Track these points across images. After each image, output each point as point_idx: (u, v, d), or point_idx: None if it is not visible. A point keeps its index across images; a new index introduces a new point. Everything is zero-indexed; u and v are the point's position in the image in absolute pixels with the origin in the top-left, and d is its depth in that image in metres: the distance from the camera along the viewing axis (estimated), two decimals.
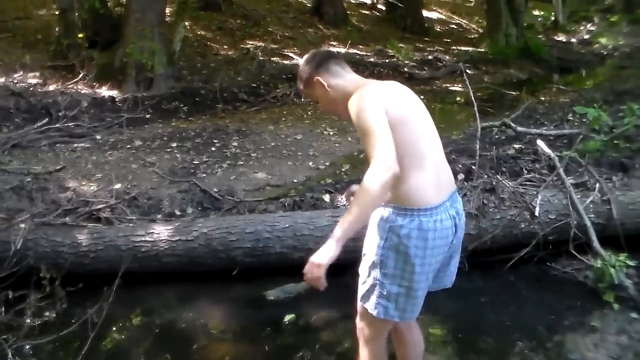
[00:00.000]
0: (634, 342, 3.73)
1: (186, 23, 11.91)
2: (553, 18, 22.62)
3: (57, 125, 7.97)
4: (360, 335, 2.99)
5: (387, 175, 2.35)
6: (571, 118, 7.75)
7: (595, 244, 4.49)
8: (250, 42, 13.27)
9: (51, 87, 9.63)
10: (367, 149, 2.45)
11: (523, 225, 4.72)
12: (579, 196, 4.83)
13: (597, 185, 4.96)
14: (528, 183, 5.17)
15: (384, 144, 2.40)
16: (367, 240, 2.76)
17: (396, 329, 3.07)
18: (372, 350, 2.98)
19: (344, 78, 2.79)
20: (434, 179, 2.64)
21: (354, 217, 2.41)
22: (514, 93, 11.45)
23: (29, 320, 3.78)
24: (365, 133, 2.47)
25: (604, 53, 17.62)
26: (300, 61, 2.86)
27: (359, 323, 2.97)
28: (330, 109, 2.88)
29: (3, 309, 3.77)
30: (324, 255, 2.43)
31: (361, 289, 2.81)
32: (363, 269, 2.78)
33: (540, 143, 5.75)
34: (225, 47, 12.73)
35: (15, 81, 9.63)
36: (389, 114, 2.51)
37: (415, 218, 2.58)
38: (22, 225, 4.82)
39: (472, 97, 6.04)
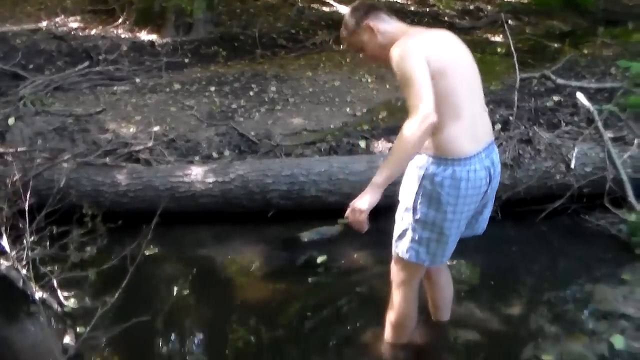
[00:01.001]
0: None
1: None
2: None
3: (97, 69, 8.03)
4: (393, 279, 3.06)
5: (425, 126, 2.41)
6: (614, 72, 7.59)
7: (631, 197, 4.48)
8: None
9: (92, 31, 9.70)
10: (407, 98, 2.50)
11: (558, 177, 4.72)
12: (616, 150, 4.79)
13: (636, 140, 4.91)
14: (565, 135, 5.14)
15: (424, 94, 2.44)
16: (403, 186, 2.83)
17: (426, 272, 3.12)
18: (403, 294, 3.04)
19: (391, 24, 2.80)
20: (470, 130, 2.67)
21: (391, 165, 2.53)
22: (556, 45, 11.21)
23: (73, 255, 3.93)
24: (406, 83, 2.51)
25: None
26: (346, 10, 2.87)
27: (393, 267, 3.04)
28: (376, 55, 2.87)
29: (48, 243, 3.90)
30: (365, 201, 2.53)
31: (395, 234, 2.89)
32: (398, 214, 2.85)
33: (579, 95, 5.68)
34: None
35: (57, 25, 9.72)
36: (430, 64, 2.52)
37: (449, 167, 2.64)
38: (65, 165, 4.97)
39: (512, 48, 5.97)
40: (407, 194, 2.78)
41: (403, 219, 2.81)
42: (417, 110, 2.42)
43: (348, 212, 2.60)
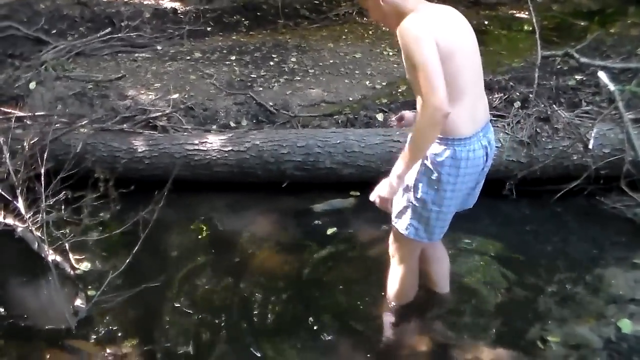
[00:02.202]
0: None
1: None
2: None
3: (119, 35, 8.04)
4: (392, 255, 3.21)
5: (439, 118, 2.48)
6: None
7: None
8: None
9: None
10: (418, 83, 2.52)
11: (575, 157, 4.65)
12: (636, 132, 4.71)
13: None
14: (585, 115, 5.06)
15: (438, 83, 2.46)
16: None
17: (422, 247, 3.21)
18: (403, 269, 3.21)
19: None
20: (471, 111, 2.72)
21: (410, 156, 2.63)
22: (583, 23, 11.04)
23: (86, 219, 3.98)
24: (417, 67, 2.50)
25: None
26: None
27: (392, 243, 3.19)
28: (379, 20, 2.89)
29: (63, 207, 3.95)
30: (387, 189, 2.72)
31: (395, 210, 2.98)
32: (399, 192, 2.89)
33: (601, 74, 5.58)
34: None
35: None
36: (439, 47, 2.52)
37: (449, 147, 2.70)
38: (82, 130, 5.00)
39: (535, 25, 5.88)
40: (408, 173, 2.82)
41: (403, 196, 2.89)
42: (432, 100, 2.45)
43: (373, 197, 2.77)
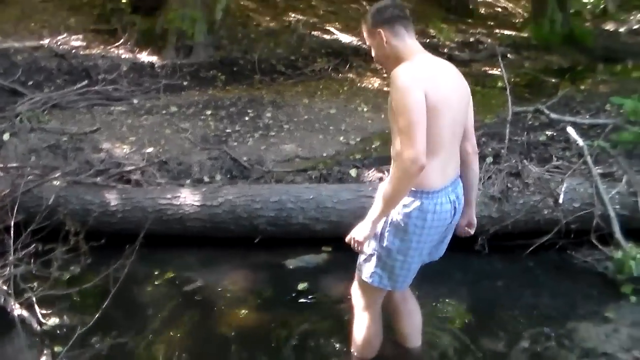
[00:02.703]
0: None
1: None
2: (602, 6, 22.14)
3: (96, 88, 8.10)
4: (355, 303, 3.20)
5: (415, 168, 2.53)
6: (608, 108, 7.63)
7: (618, 234, 4.46)
8: (292, 15, 13.22)
9: (93, 51, 9.75)
10: (399, 133, 2.57)
11: (546, 212, 4.71)
12: (605, 186, 4.79)
13: (625, 176, 4.91)
14: (555, 170, 5.14)
15: (418, 134, 2.52)
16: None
17: (391, 300, 3.25)
18: (368, 316, 3.17)
19: (404, 41, 2.80)
20: (442, 166, 2.77)
21: (385, 204, 2.69)
22: (554, 80, 11.29)
23: (55, 273, 3.92)
24: (403, 117, 2.56)
25: None
26: (374, 5, 2.89)
27: (355, 291, 3.18)
28: (380, 61, 2.93)
29: (32, 260, 3.90)
30: (361, 233, 2.76)
31: (360, 258, 3.01)
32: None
33: (570, 130, 5.70)
34: (267, 18, 12.72)
35: (59, 43, 9.76)
36: (427, 101, 2.58)
37: (417, 199, 2.74)
38: (55, 182, 4.98)
39: (506, 81, 6.01)
40: None
41: (369, 245, 2.90)
42: (409, 152, 2.51)
43: (348, 240, 2.82)
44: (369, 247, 2.91)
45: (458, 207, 2.90)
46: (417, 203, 2.74)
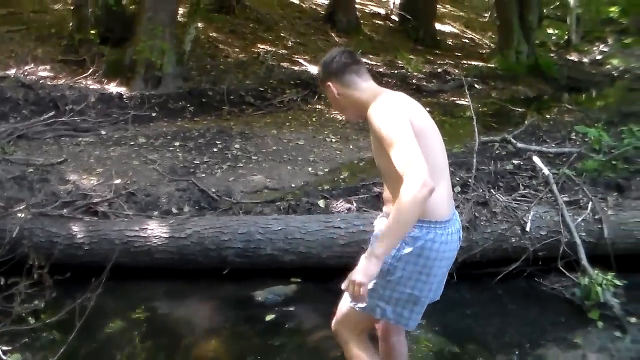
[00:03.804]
0: None
1: (198, 24, 12.01)
2: (566, 37, 22.62)
3: (63, 119, 8.05)
4: (345, 338, 2.93)
5: (424, 192, 2.32)
6: (574, 137, 7.77)
7: (584, 261, 4.52)
8: (261, 46, 13.34)
9: (61, 81, 9.71)
10: (397, 161, 2.41)
11: (513, 240, 4.76)
12: (571, 214, 4.86)
13: (590, 204, 4.98)
14: (522, 198, 5.21)
15: (417, 158, 2.37)
16: (371, 244, 2.67)
17: (387, 340, 3.10)
18: (359, 345, 2.90)
19: (357, 88, 2.73)
20: (447, 192, 2.67)
21: (393, 235, 2.42)
22: (520, 110, 11.48)
23: (18, 307, 3.84)
24: (394, 145, 2.42)
25: (615, 74, 17.60)
26: (323, 57, 2.84)
27: (339, 327, 2.93)
28: (338, 110, 2.89)
29: None
30: (365, 274, 2.43)
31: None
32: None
33: (535, 159, 5.78)
34: (236, 50, 12.81)
35: (25, 73, 9.72)
36: (413, 126, 2.49)
37: (431, 230, 2.58)
38: (20, 215, 4.90)
39: (473, 111, 6.09)
40: None
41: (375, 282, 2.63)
42: (417, 175, 2.33)
43: (345, 285, 2.49)
44: (371, 282, 2.59)
45: (460, 237, 2.77)
46: (432, 235, 2.58)
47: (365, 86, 2.75)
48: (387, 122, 2.48)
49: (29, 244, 4.47)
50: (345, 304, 2.85)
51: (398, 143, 2.41)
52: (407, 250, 2.58)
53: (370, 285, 2.58)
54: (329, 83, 2.77)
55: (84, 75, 9.97)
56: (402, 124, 2.46)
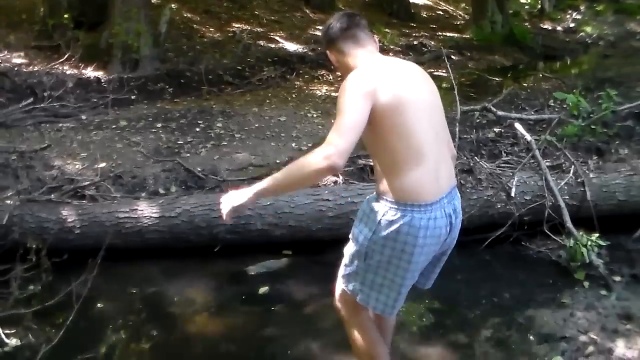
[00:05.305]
0: (601, 317, 3.85)
1: (173, 5, 11.93)
2: (539, 6, 22.70)
3: (42, 105, 7.94)
4: (344, 316, 2.93)
5: (321, 165, 2.31)
6: (552, 104, 7.87)
7: (569, 224, 4.61)
8: (237, 25, 13.26)
9: (36, 67, 9.59)
10: (330, 132, 2.40)
11: (499, 206, 4.84)
12: (554, 178, 4.95)
13: (572, 167, 5.07)
14: (505, 165, 5.30)
15: (342, 135, 2.34)
16: (355, 225, 2.72)
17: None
18: (361, 326, 2.90)
19: (350, 54, 2.72)
20: (433, 174, 2.54)
21: (277, 185, 2.52)
22: (497, 79, 11.56)
23: (16, 292, 3.86)
24: (336, 118, 2.42)
25: (589, 41, 17.71)
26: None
27: (340, 304, 2.92)
28: (342, 74, 2.80)
29: None
30: (236, 200, 2.57)
31: (343, 272, 2.78)
32: (347, 252, 2.75)
33: (518, 126, 5.86)
34: (211, 29, 12.73)
35: None
36: (381, 101, 2.44)
37: (407, 214, 2.49)
38: (8, 202, 4.89)
39: (453, 81, 6.14)
40: (359, 237, 2.64)
41: (352, 262, 2.70)
42: (325, 147, 2.33)
43: (222, 199, 2.64)
44: (353, 265, 2.69)
45: (455, 221, 2.66)
46: (408, 218, 2.48)
47: (356, 52, 2.73)
48: (342, 96, 2.46)
49: (20, 231, 4.48)
50: (339, 283, 2.85)
51: (338, 117, 2.41)
52: (383, 233, 2.53)
53: (352, 269, 2.69)
54: (328, 51, 2.82)
55: (60, 60, 9.81)
56: (354, 101, 2.42)
